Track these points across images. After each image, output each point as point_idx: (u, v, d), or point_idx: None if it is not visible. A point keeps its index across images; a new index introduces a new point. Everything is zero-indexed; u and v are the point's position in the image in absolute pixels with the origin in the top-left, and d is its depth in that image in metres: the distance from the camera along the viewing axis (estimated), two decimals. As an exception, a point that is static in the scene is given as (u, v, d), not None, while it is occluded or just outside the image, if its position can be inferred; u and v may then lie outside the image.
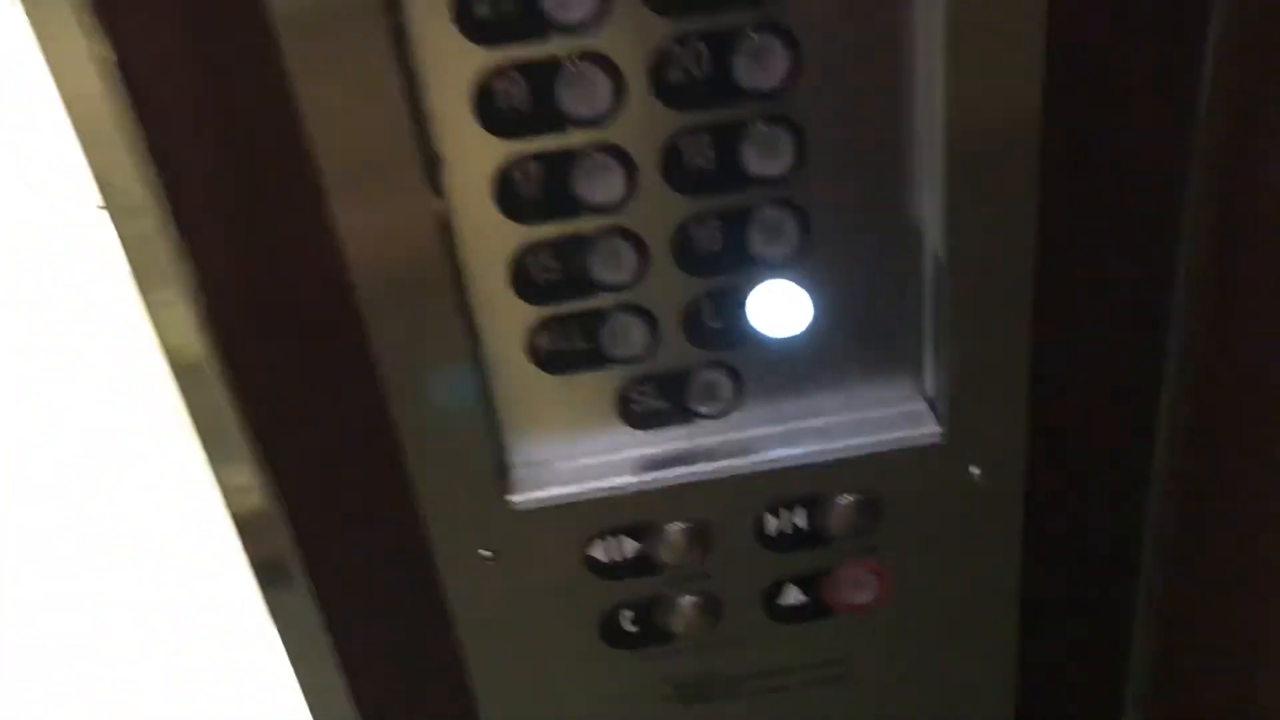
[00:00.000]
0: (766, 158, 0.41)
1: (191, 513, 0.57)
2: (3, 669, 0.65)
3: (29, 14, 0.37)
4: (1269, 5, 0.40)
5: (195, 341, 0.43)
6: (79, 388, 0.54)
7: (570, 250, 0.43)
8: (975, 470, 0.48)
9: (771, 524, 0.48)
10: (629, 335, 0.45)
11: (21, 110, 0.45)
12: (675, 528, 0.48)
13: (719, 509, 0.48)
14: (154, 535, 0.59)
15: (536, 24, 0.38)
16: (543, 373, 0.46)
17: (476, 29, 0.38)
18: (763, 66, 0.39)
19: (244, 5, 0.37)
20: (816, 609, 0.51)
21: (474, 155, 0.41)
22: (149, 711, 0.67)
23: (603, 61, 0.39)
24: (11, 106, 0.44)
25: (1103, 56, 0.41)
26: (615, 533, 0.48)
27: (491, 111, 0.40)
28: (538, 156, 0.41)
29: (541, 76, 0.39)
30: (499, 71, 0.39)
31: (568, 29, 0.38)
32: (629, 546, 0.48)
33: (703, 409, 0.47)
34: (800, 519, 0.48)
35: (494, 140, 0.40)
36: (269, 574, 0.49)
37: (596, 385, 0.47)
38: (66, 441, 0.56)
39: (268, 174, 0.41)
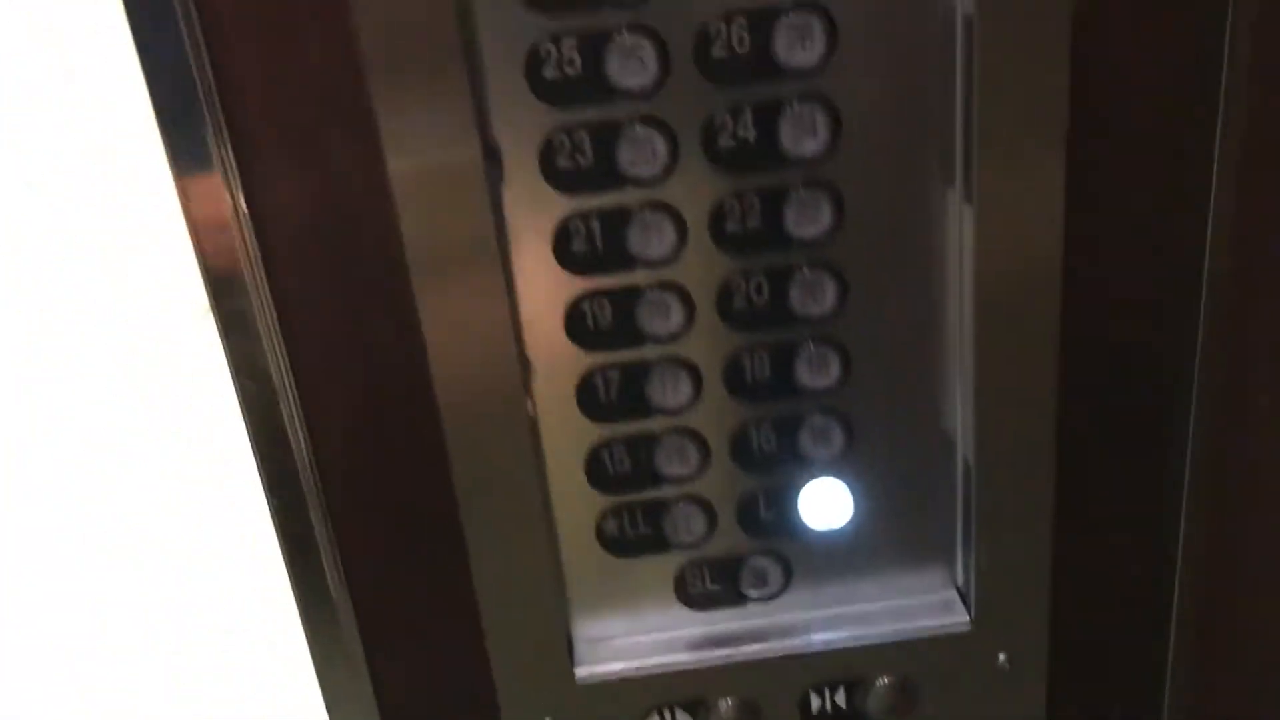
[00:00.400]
0: (817, 374, 0.47)
1: (191, 513, 0.59)
2: (3, 669, 0.65)
3: (179, 187, 0.42)
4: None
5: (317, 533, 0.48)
6: (79, 388, 0.56)
7: (640, 448, 0.48)
8: (1002, 656, 0.52)
9: (814, 702, 0.52)
10: (689, 524, 0.50)
11: (21, 110, 0.48)
12: (725, 704, 0.52)
13: (766, 687, 0.52)
14: (154, 535, 0.60)
15: (624, 259, 0.45)
16: (608, 555, 0.51)
17: (570, 260, 0.45)
18: (813, 296, 0.46)
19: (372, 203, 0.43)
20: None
21: (561, 364, 0.47)
22: (149, 711, 0.66)
23: (675, 289, 0.45)
24: (11, 106, 0.48)
25: (1113, 283, 0.47)
26: (670, 707, 0.52)
27: (579, 329, 0.46)
28: (617, 366, 0.47)
29: (623, 300, 0.45)
30: (586, 295, 0.45)
31: (650, 263, 0.45)
32: None
33: (753, 593, 0.52)
34: (841, 698, 0.52)
35: (579, 351, 0.46)
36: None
37: (656, 568, 0.52)
38: (66, 441, 0.58)
39: (387, 374, 0.47)
